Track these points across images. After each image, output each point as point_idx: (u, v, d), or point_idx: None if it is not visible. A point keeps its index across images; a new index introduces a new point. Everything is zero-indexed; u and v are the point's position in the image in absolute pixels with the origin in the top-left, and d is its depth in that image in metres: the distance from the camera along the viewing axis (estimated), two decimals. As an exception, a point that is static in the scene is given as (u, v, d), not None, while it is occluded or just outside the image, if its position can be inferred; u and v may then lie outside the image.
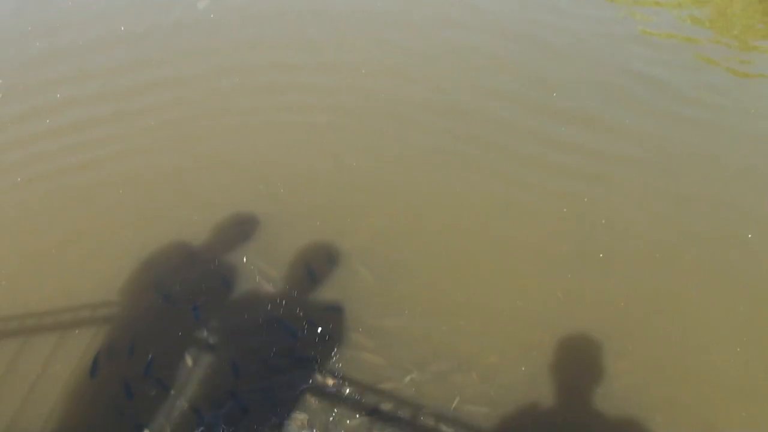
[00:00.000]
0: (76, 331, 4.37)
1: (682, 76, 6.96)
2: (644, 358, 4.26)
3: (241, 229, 5.12)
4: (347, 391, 4.02)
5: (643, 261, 4.91)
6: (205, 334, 4.38)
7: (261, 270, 4.79)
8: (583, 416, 3.96)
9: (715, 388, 4.10)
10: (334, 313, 4.47)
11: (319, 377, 4.09)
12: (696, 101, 6.60)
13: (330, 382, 4.06)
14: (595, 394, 4.04)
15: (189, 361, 4.19)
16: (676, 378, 4.14)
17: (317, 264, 4.84)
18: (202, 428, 3.79)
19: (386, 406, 3.95)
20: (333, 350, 4.25)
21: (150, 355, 4.18)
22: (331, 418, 3.89)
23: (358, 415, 3.90)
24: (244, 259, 4.85)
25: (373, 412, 3.92)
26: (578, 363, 4.26)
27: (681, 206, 5.40)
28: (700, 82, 6.88)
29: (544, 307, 4.57)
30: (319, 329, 4.38)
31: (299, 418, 3.87)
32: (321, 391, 4.02)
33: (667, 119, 6.37)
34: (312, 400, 3.97)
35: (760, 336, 4.41)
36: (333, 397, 3.99)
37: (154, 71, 7.12)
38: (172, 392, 4.01)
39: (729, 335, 4.41)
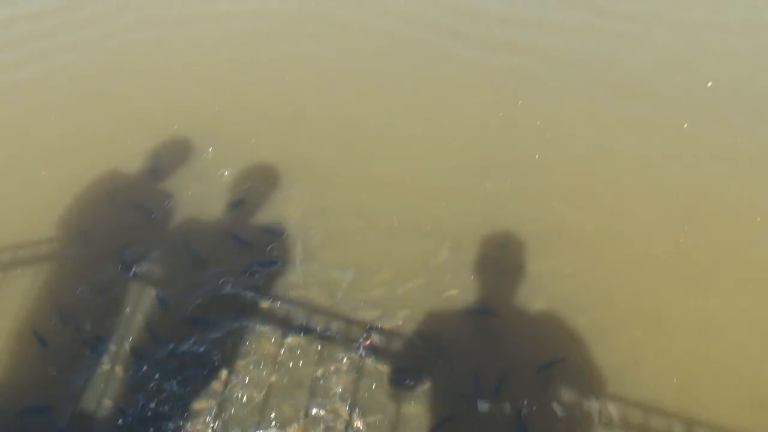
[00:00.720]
0: (19, 270, 4.28)
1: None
2: (577, 249, 4.34)
3: (174, 151, 4.98)
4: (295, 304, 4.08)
5: (579, 158, 4.92)
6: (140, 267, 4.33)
7: (199, 195, 4.71)
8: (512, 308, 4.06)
9: (647, 274, 4.20)
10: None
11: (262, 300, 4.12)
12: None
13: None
14: (525, 290, 4.12)
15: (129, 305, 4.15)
16: (610, 267, 4.23)
17: (255, 186, 4.77)
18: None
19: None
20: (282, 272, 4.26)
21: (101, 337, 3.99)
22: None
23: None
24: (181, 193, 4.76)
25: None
26: (515, 256, 4.32)
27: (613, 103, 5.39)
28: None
29: (483, 206, 4.60)
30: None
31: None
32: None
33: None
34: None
35: (693, 221, 4.47)
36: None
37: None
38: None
39: (664, 225, 4.46)
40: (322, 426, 3.56)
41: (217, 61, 5.90)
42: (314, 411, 3.62)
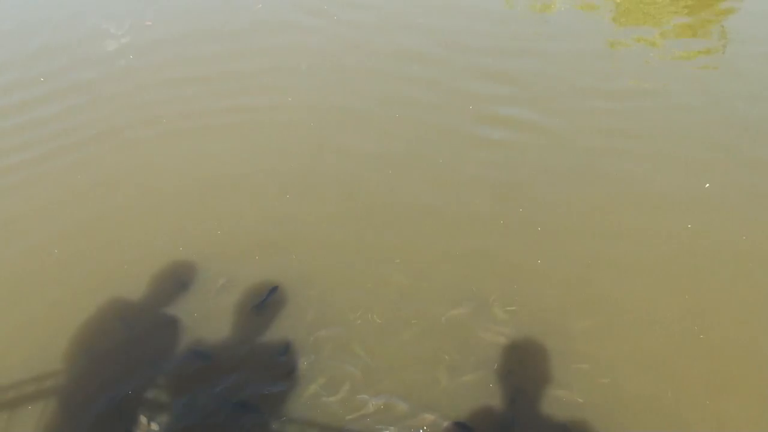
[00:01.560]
0: (29, 407, 4.23)
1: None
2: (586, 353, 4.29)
3: (179, 276, 5.02)
4: None
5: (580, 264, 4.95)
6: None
7: (204, 317, 4.72)
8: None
9: (662, 375, 4.10)
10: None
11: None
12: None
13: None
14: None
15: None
16: (624, 370, 4.17)
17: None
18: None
19: None
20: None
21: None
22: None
23: None
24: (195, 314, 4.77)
25: None
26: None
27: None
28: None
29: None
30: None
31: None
32: None
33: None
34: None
35: (706, 322, 4.42)
36: None
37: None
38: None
39: (677, 327, 4.43)
40: None
41: (212, 179, 6.01)
42: None
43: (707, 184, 5.42)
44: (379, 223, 5.38)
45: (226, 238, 5.32)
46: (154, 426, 4.08)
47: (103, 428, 4.12)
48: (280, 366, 4.37)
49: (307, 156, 6.17)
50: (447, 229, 5.28)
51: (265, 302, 4.72)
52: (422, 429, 3.94)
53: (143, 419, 4.13)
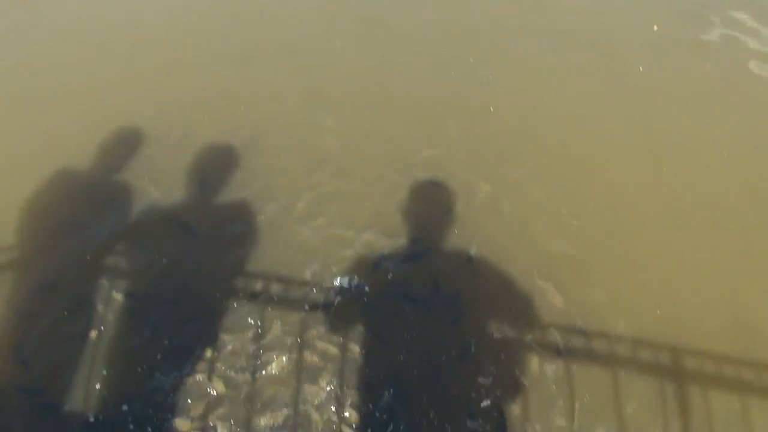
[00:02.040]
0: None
1: None
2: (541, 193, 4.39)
3: (127, 140, 4.83)
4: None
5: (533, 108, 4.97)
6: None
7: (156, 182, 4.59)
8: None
9: (618, 214, 4.29)
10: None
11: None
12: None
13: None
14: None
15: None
16: (580, 209, 4.31)
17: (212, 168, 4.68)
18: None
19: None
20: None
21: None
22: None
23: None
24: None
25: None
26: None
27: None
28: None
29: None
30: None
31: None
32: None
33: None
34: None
35: (659, 160, 4.56)
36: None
37: None
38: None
39: (629, 167, 4.56)
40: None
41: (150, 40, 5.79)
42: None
43: (655, 27, 5.44)
44: (327, 78, 5.26)
45: (175, 100, 5.14)
46: (117, 294, 3.99)
47: (63, 298, 4.00)
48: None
49: (247, 14, 5.90)
50: (398, 82, 5.19)
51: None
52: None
53: (105, 283, 4.03)
